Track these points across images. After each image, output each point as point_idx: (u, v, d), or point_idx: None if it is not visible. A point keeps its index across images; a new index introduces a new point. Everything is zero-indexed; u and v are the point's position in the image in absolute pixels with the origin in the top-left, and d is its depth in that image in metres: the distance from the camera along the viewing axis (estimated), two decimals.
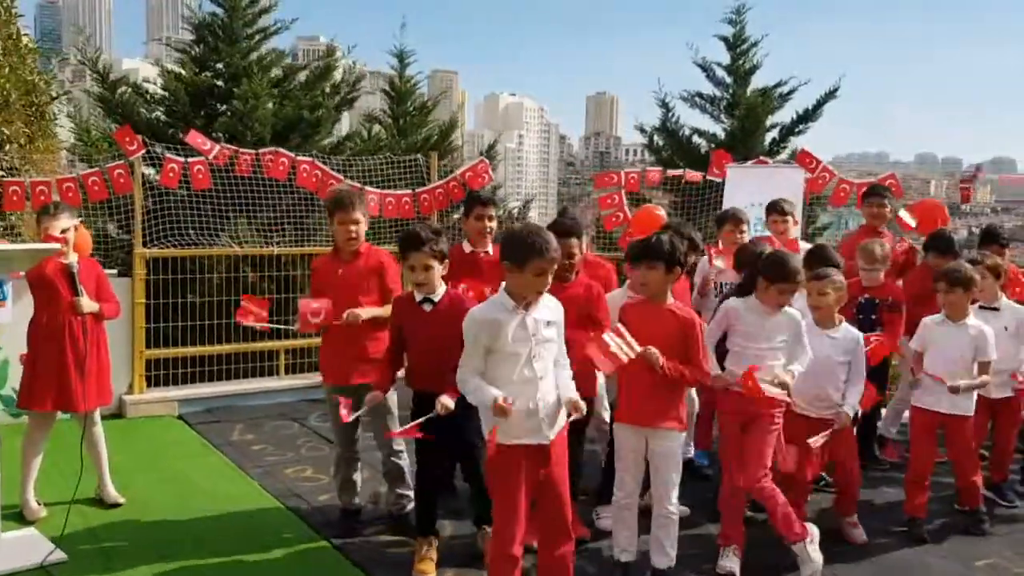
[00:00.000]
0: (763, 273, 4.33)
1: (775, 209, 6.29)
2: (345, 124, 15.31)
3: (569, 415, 3.64)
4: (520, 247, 3.47)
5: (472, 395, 3.54)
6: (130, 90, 10.66)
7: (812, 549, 4.30)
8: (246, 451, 6.19)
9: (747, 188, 7.98)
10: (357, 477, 4.91)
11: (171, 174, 7.10)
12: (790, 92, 12.16)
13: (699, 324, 4.18)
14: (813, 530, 4.36)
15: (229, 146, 7.47)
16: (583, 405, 3.63)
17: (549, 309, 3.63)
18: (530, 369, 3.53)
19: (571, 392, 3.65)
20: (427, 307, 4.22)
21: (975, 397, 4.96)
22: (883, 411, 6.37)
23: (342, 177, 7.73)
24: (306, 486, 5.47)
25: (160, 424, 6.87)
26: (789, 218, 6.27)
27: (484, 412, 3.58)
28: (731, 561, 4.38)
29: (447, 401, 3.85)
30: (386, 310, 4.61)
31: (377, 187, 8.05)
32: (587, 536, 4.66)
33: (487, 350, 3.53)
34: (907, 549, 4.75)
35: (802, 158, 7.86)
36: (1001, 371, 5.12)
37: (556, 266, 3.57)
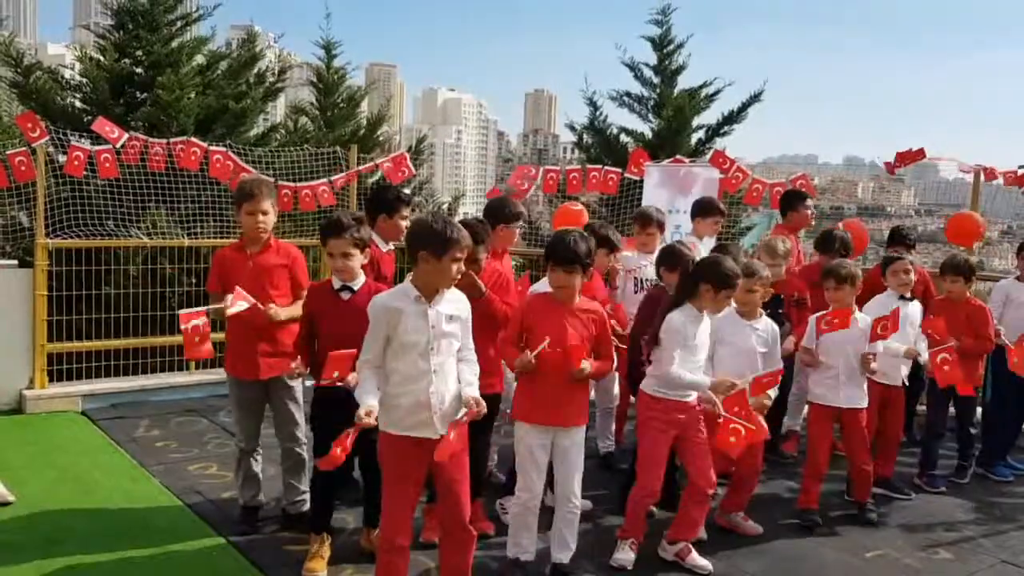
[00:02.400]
0: (711, 282, 4.32)
1: (716, 210, 6.48)
2: (279, 115, 15.04)
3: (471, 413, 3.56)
4: (438, 236, 3.47)
5: (357, 389, 3.53)
6: (45, 76, 10.33)
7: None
8: (149, 448, 6.04)
9: (667, 187, 8.09)
10: (259, 472, 4.83)
11: (76, 162, 6.88)
12: (716, 93, 12.33)
13: (607, 321, 4.25)
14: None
15: (139, 135, 7.27)
16: (482, 405, 3.54)
17: (453, 304, 3.62)
18: (425, 362, 3.51)
19: (472, 390, 3.58)
20: (345, 295, 4.18)
21: (866, 389, 5.15)
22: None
23: (252, 169, 7.60)
24: (208, 483, 5.36)
25: (61, 420, 6.65)
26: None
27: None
28: (626, 554, 4.44)
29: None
30: (299, 308, 4.51)
31: (300, 180, 7.98)
32: (490, 531, 4.66)
33: (387, 339, 3.52)
34: (801, 540, 4.87)
35: (715, 159, 7.97)
36: (895, 360, 5.33)
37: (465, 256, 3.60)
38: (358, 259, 4.21)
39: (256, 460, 4.80)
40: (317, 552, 4.26)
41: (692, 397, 4.41)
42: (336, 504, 4.53)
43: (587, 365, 3.99)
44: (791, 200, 6.83)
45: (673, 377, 4.30)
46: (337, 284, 4.21)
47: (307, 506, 4.75)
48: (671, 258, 4.96)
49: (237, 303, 4.29)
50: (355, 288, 4.20)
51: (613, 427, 6.07)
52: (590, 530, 4.84)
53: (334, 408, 3.99)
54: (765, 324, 4.84)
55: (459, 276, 3.61)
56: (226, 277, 4.60)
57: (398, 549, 3.57)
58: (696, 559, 4.43)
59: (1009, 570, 4.62)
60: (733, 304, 4.77)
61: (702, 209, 6.50)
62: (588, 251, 4.07)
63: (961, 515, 5.36)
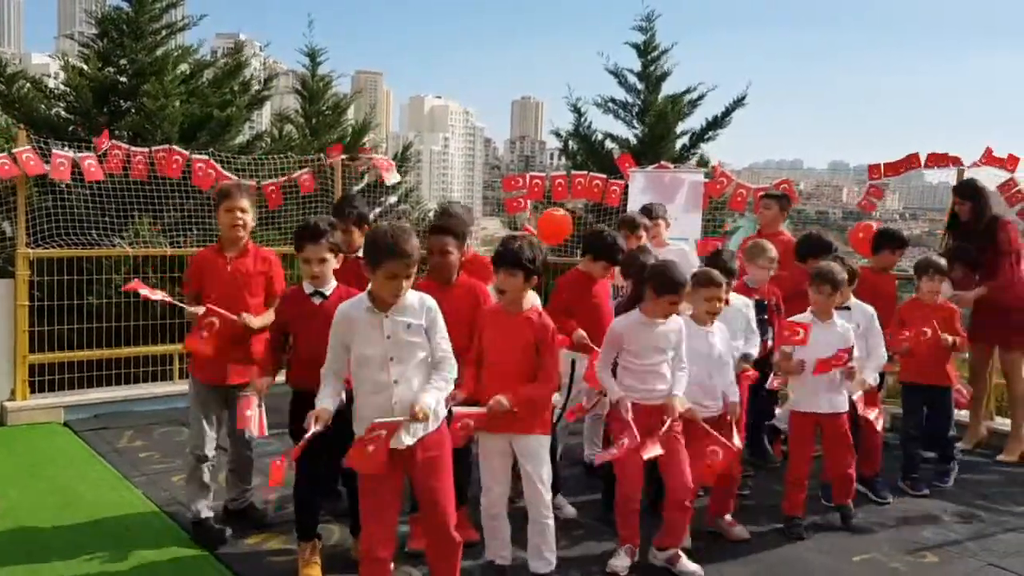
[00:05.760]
0: (651, 285, 4.35)
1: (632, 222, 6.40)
2: (265, 123, 15.02)
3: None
4: (375, 248, 3.41)
5: (318, 394, 3.52)
6: (29, 85, 10.28)
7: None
8: (132, 458, 5.98)
9: (652, 193, 8.09)
10: (210, 481, 4.78)
11: (61, 167, 6.83)
12: (699, 98, 12.35)
13: (553, 331, 4.17)
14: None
15: (120, 144, 7.24)
16: (425, 411, 3.39)
17: (414, 311, 3.52)
18: (384, 373, 3.46)
19: (424, 396, 3.44)
20: (317, 300, 4.19)
21: (846, 394, 5.09)
22: (777, 411, 6.49)
23: (234, 177, 7.58)
24: None
25: (43, 432, 6.59)
26: (661, 222, 6.39)
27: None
28: (621, 559, 4.41)
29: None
30: (271, 315, 4.56)
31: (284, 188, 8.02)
32: (476, 539, 4.62)
33: (345, 348, 3.50)
34: (787, 546, 4.85)
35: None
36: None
37: (413, 271, 3.49)
38: (331, 264, 4.25)
39: (208, 469, 4.74)
40: (310, 559, 4.24)
41: (659, 399, 4.37)
42: (320, 515, 4.49)
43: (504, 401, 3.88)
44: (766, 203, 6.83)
45: (598, 376, 4.46)
46: (310, 289, 4.22)
47: (248, 503, 4.90)
48: (630, 264, 5.00)
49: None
50: (327, 294, 4.22)
51: (601, 434, 6.03)
52: (577, 537, 4.82)
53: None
54: (720, 329, 4.79)
55: (399, 293, 3.45)
56: (203, 279, 4.61)
57: (378, 561, 3.52)
58: (686, 564, 4.41)
59: (995, 572, 4.61)
60: (687, 312, 4.72)
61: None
62: (533, 258, 4.00)
63: (946, 518, 5.35)
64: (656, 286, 4.34)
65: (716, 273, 4.72)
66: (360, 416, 3.50)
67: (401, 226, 3.52)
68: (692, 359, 4.53)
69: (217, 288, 4.57)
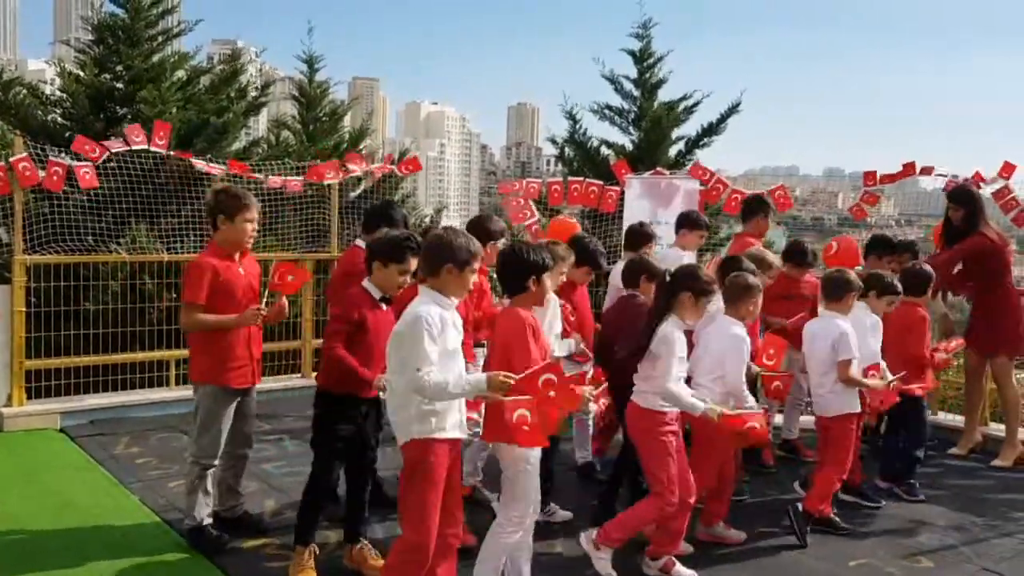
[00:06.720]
0: (690, 289, 4.32)
1: (703, 225, 6.56)
2: (262, 129, 15.04)
3: None
4: (460, 250, 3.60)
5: (457, 389, 3.47)
6: (25, 91, 10.28)
7: None
8: (129, 464, 5.98)
9: (648, 199, 8.12)
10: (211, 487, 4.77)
11: (55, 177, 6.84)
12: (695, 105, 12.39)
13: None
14: None
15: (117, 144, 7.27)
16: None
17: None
18: (462, 359, 3.67)
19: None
20: (384, 305, 4.27)
21: None
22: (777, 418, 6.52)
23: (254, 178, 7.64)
24: None
25: (39, 438, 6.57)
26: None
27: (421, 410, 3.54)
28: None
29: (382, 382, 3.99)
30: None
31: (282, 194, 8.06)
32: (473, 544, 4.62)
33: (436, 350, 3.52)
34: (783, 551, 4.87)
35: (694, 172, 8.02)
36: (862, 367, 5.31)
37: None
38: None
39: (210, 476, 4.72)
40: (307, 563, 4.26)
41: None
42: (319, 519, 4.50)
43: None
44: (754, 207, 6.88)
45: (672, 394, 4.26)
46: (378, 294, 4.26)
47: (242, 511, 4.90)
48: (648, 269, 4.99)
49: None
50: (389, 298, 4.32)
51: (590, 439, 6.04)
52: (574, 540, 4.82)
53: (348, 419, 4.23)
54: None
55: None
56: (225, 286, 4.57)
57: (427, 558, 3.59)
58: (682, 571, 4.41)
59: None
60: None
61: (690, 223, 6.52)
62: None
63: (942, 523, 5.37)
64: (697, 290, 4.34)
65: (753, 278, 4.79)
66: (441, 409, 3.54)
67: (454, 227, 3.99)
68: (743, 353, 4.67)
69: (238, 292, 4.60)
